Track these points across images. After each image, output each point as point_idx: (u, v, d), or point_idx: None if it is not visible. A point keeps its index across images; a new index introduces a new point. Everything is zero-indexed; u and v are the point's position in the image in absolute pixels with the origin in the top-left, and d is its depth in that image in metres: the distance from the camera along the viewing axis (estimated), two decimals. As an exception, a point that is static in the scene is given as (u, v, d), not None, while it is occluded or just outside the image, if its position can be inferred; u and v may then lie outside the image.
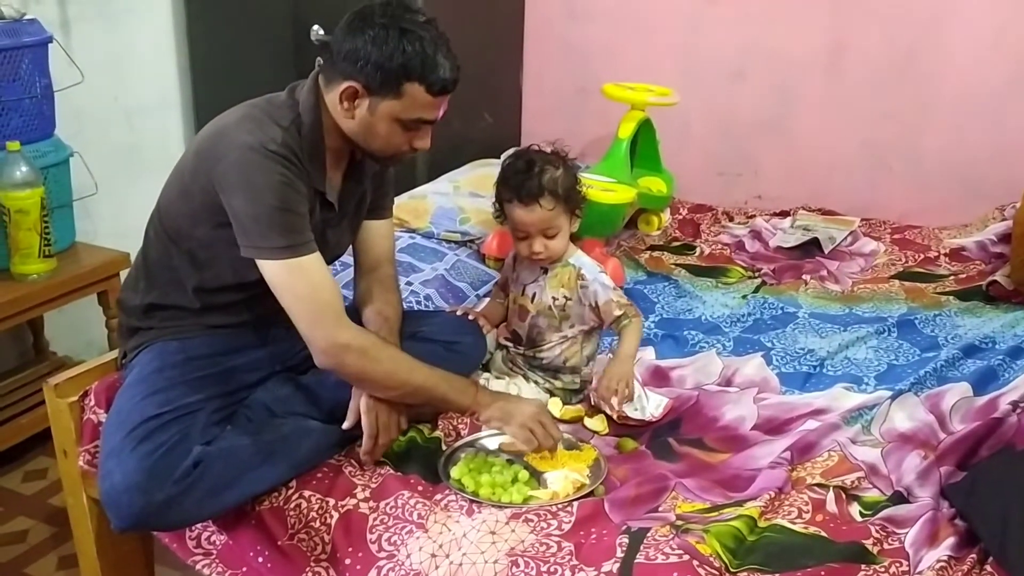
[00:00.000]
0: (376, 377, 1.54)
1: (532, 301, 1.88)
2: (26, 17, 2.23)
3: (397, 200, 2.47)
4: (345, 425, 1.58)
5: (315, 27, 2.67)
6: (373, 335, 1.60)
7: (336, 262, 2.07)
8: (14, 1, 2.25)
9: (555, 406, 1.84)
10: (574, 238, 2.01)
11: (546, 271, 1.88)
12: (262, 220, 1.46)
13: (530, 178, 1.78)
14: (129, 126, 2.86)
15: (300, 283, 1.49)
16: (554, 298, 1.86)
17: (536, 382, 1.88)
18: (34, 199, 2.14)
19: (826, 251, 2.67)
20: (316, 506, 1.51)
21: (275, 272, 1.49)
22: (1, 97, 2.16)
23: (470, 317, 1.92)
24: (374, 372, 1.54)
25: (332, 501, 1.51)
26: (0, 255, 2.21)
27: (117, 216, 2.59)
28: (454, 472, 1.59)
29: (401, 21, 1.47)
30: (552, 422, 1.65)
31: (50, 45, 2.27)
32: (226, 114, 1.56)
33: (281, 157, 1.48)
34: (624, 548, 1.38)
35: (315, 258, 1.51)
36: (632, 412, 1.79)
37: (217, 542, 1.55)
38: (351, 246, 1.80)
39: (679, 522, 1.46)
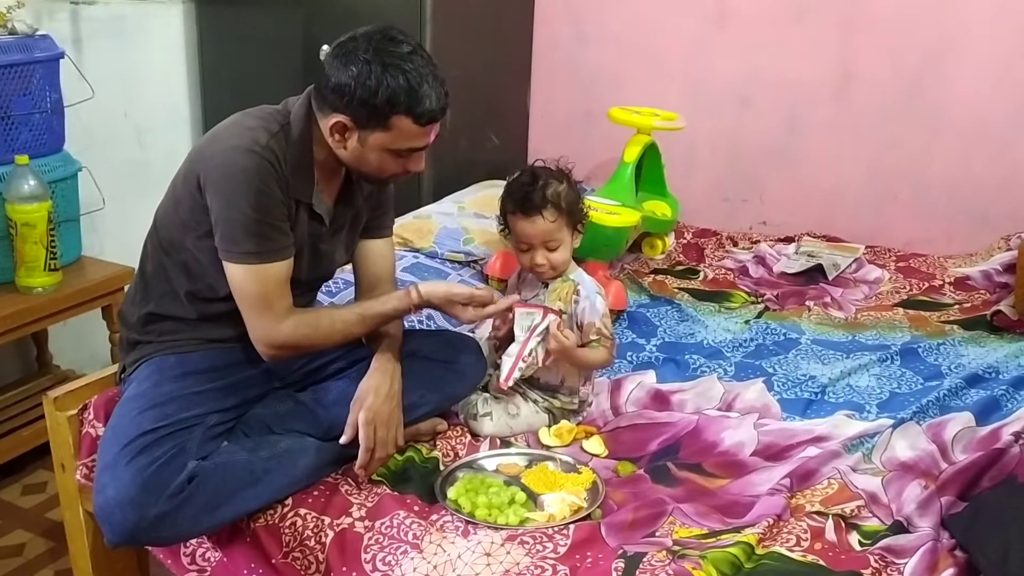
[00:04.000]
0: (319, 350, 1.67)
1: None
2: (39, 33, 2.26)
3: (402, 220, 2.49)
4: (342, 440, 1.58)
5: (324, 47, 2.67)
6: (304, 323, 1.60)
7: (339, 280, 2.09)
8: (27, 17, 2.28)
9: (543, 435, 1.83)
10: (578, 260, 2.02)
11: (546, 285, 1.89)
12: (235, 224, 1.49)
13: (534, 190, 1.82)
14: (138, 142, 2.89)
15: (253, 287, 1.53)
16: None
17: (535, 400, 1.88)
18: (41, 213, 2.16)
19: (830, 278, 2.67)
20: (311, 524, 1.50)
21: (235, 274, 1.53)
22: (12, 111, 2.18)
23: (488, 336, 1.93)
24: (312, 349, 1.65)
25: (327, 519, 1.50)
26: (6, 268, 2.23)
27: (123, 231, 2.60)
28: (451, 492, 1.59)
29: (384, 55, 1.47)
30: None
31: (61, 61, 2.30)
32: (219, 123, 1.59)
33: (264, 159, 1.50)
34: (620, 573, 1.37)
35: (279, 266, 1.54)
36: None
37: (212, 559, 1.55)
38: (352, 264, 1.81)
39: (676, 547, 1.45)
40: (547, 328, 1.75)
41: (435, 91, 1.51)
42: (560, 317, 1.79)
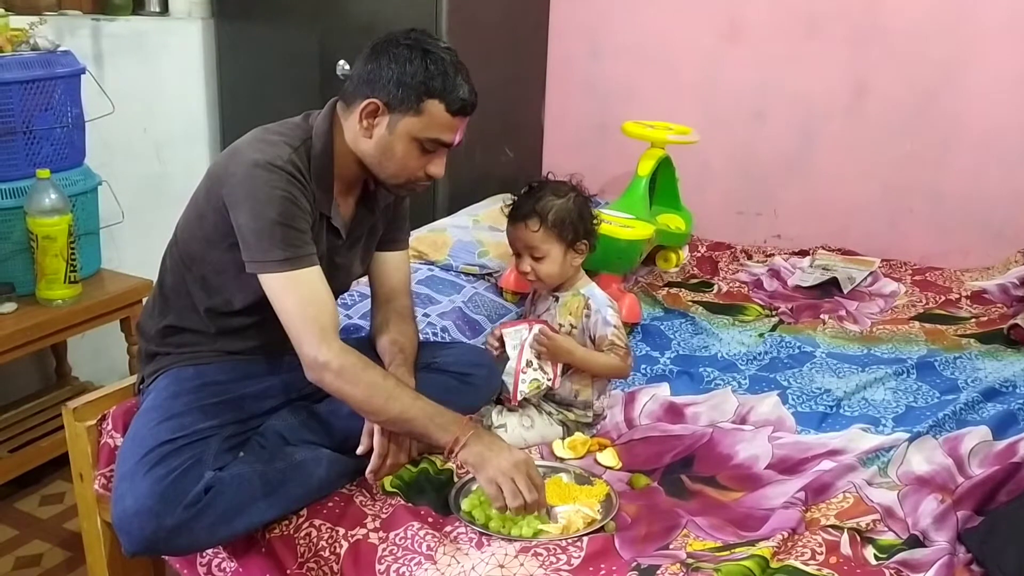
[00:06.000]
0: (352, 399, 1.53)
1: None
2: (60, 49, 2.29)
3: (417, 233, 2.51)
4: (359, 450, 1.59)
5: (340, 62, 2.73)
6: (357, 357, 1.53)
7: (355, 292, 2.11)
8: (49, 33, 2.31)
9: (557, 447, 1.84)
10: (591, 273, 2.03)
11: (557, 299, 1.90)
12: (263, 234, 1.48)
13: (526, 200, 1.88)
14: (157, 157, 2.93)
15: (292, 297, 1.50)
16: (561, 325, 1.89)
17: (549, 413, 1.88)
18: (62, 226, 2.19)
19: (845, 291, 2.66)
20: (326, 535, 1.51)
21: (272, 286, 1.50)
22: (33, 126, 2.21)
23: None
24: (350, 394, 1.52)
25: (342, 531, 1.51)
26: (26, 280, 2.25)
27: (142, 244, 2.63)
28: (465, 504, 1.59)
29: (423, 43, 1.53)
30: (530, 481, 1.52)
31: (83, 76, 2.33)
32: (240, 138, 1.60)
33: (286, 173, 1.51)
34: (633, 585, 1.37)
35: (313, 272, 1.52)
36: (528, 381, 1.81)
37: (228, 569, 1.55)
38: (368, 277, 1.82)
39: (690, 560, 1.44)
40: (535, 337, 1.80)
41: (468, 84, 1.56)
42: (546, 324, 1.85)
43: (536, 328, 1.82)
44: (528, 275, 1.89)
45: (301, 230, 1.52)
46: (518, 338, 1.82)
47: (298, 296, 1.50)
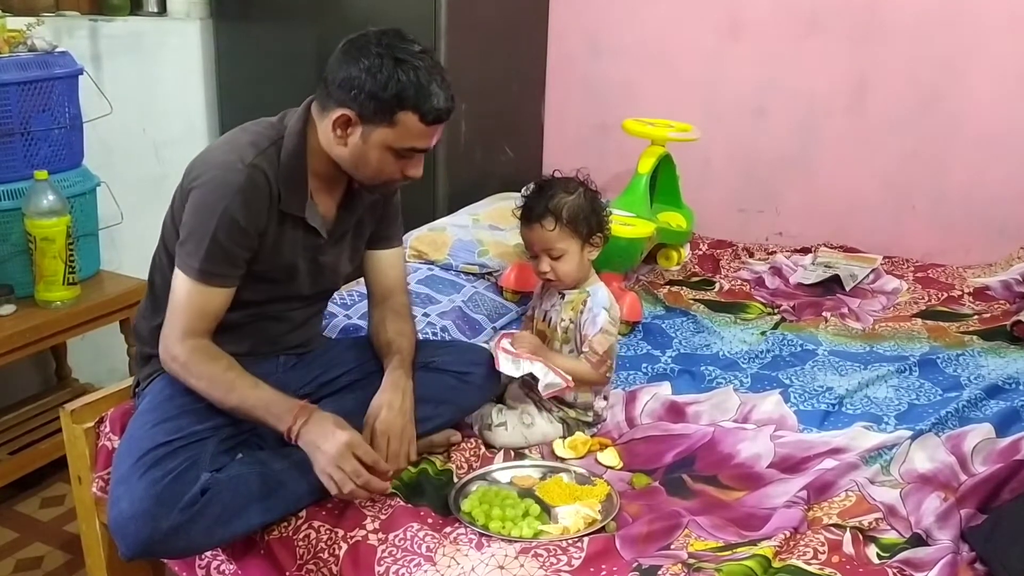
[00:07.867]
0: (196, 389, 1.55)
1: (549, 325, 1.91)
2: (58, 50, 2.29)
3: (416, 232, 2.50)
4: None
5: (339, 62, 2.72)
6: (204, 353, 1.55)
7: (354, 292, 2.10)
8: (46, 34, 2.31)
9: (557, 447, 1.83)
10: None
11: (564, 296, 1.89)
12: (195, 239, 1.52)
13: (538, 200, 1.85)
14: (156, 157, 2.92)
15: (187, 299, 1.54)
16: (562, 319, 1.87)
17: (550, 411, 1.87)
18: (60, 227, 2.18)
19: (847, 288, 2.65)
20: (325, 537, 1.50)
21: (178, 281, 1.54)
22: (31, 127, 2.21)
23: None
24: (194, 385, 1.55)
25: (341, 532, 1.50)
26: (25, 282, 2.25)
27: (141, 245, 2.60)
28: (465, 505, 1.58)
29: (396, 51, 1.48)
30: (355, 459, 1.46)
31: (80, 77, 2.32)
32: (217, 139, 1.59)
33: (248, 178, 1.51)
34: (634, 586, 1.36)
35: (219, 292, 1.55)
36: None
37: (226, 571, 1.55)
38: (363, 276, 1.81)
39: (691, 560, 1.44)
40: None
41: (443, 91, 1.51)
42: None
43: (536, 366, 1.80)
44: (547, 275, 1.87)
45: (231, 252, 1.53)
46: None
47: (191, 301, 1.54)
